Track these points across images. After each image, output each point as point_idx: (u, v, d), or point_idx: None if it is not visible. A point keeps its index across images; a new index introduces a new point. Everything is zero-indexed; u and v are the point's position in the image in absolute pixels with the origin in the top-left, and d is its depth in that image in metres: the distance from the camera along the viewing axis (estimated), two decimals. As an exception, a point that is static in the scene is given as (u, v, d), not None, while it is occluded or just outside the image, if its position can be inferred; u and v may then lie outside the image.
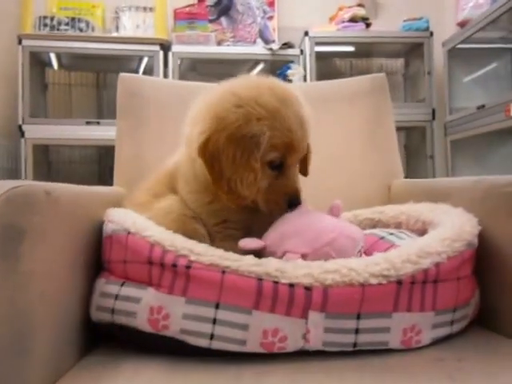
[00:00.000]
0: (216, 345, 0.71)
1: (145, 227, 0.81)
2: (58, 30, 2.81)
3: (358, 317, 0.71)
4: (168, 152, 1.30)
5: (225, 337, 0.71)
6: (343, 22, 2.95)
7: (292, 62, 2.96)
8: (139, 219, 0.84)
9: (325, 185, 1.27)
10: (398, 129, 3.12)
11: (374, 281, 0.71)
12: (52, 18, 2.81)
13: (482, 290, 0.84)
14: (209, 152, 0.83)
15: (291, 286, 0.71)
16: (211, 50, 2.95)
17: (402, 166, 1.38)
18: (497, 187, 0.85)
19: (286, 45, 2.96)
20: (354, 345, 0.71)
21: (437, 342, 0.75)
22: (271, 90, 0.88)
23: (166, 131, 1.31)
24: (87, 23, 2.86)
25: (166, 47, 2.92)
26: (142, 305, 0.74)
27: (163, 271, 0.75)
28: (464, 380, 0.64)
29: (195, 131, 0.85)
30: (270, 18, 3.18)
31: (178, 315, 0.72)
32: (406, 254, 0.74)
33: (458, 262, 0.76)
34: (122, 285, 0.78)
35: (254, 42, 3.13)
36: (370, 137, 1.37)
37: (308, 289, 0.70)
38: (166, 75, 2.92)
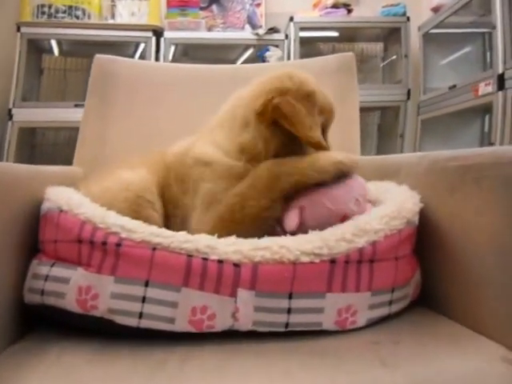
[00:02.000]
0: (145, 323, 0.62)
1: (78, 204, 0.70)
2: (55, 17, 2.66)
3: (290, 296, 0.60)
4: (134, 133, 1.19)
5: (154, 315, 0.62)
6: (326, 7, 2.77)
7: (277, 46, 2.81)
8: (75, 196, 0.73)
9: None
10: (374, 109, 3.04)
11: (305, 259, 0.60)
12: (50, 6, 2.66)
13: (424, 268, 0.74)
14: (283, 111, 0.73)
15: (220, 262, 0.61)
16: (201, 35, 2.79)
17: (359, 142, 1.24)
18: (439, 162, 0.73)
19: (272, 30, 2.79)
20: (286, 325, 0.61)
21: (374, 324, 0.64)
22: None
23: (133, 112, 1.19)
24: (83, 11, 2.70)
25: (158, 33, 2.77)
26: (71, 285, 0.65)
27: (92, 250, 0.65)
28: (396, 366, 0.54)
29: (255, 103, 0.76)
30: (258, 4, 3.01)
31: (106, 295, 0.63)
32: (340, 232, 0.63)
33: (396, 241, 0.65)
34: (53, 265, 0.68)
35: (243, 27, 2.96)
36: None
37: (237, 265, 0.61)
38: (158, 60, 2.78)
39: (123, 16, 2.87)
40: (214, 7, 2.97)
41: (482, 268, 0.63)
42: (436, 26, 2.65)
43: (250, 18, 2.93)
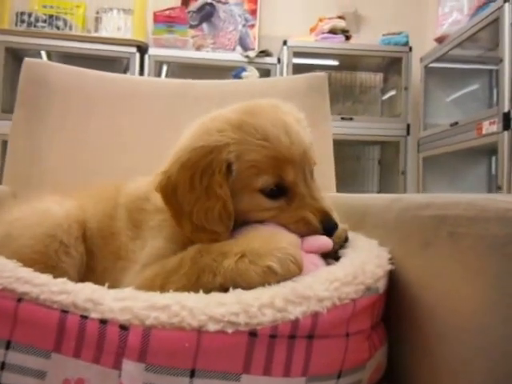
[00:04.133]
0: (4, 397, 0.50)
1: None
2: (35, 26, 2.61)
3: (192, 374, 0.47)
4: (72, 149, 1.07)
5: (15, 387, 0.49)
6: (323, 33, 2.73)
7: (269, 70, 2.75)
8: None
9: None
10: (373, 143, 2.95)
11: (213, 327, 0.47)
12: (30, 15, 2.61)
13: (390, 339, 0.61)
14: (163, 188, 0.63)
15: (103, 322, 0.48)
16: (187, 54, 2.73)
17: (334, 177, 1.11)
18: (410, 209, 0.61)
19: (263, 53, 2.74)
20: (185, 411, 0.48)
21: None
22: (238, 107, 0.70)
23: (70, 126, 1.09)
24: (65, 21, 2.66)
25: (143, 50, 2.71)
26: None
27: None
28: None
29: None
30: (252, 26, 2.97)
31: (-40, 356, 0.51)
32: (268, 296, 0.50)
33: (347, 313, 0.52)
34: None
35: (234, 49, 2.92)
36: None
37: (124, 328, 0.47)
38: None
39: (108, 29, 2.83)
40: (205, 26, 2.93)
41: (457, 356, 0.50)
42: (439, 58, 2.59)
43: (242, 39, 2.89)
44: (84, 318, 0.49)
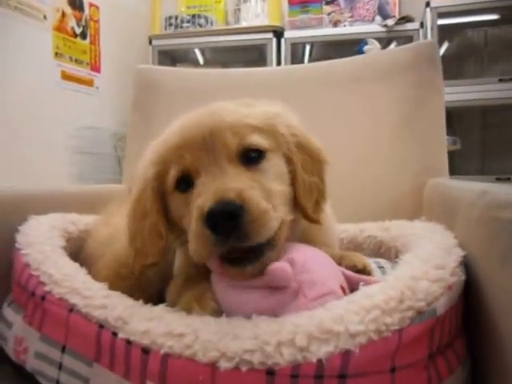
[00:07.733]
0: (62, 393, 0.54)
1: (27, 243, 0.66)
2: (181, 27, 2.79)
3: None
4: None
5: (68, 387, 0.53)
6: (473, -15, 2.33)
7: (411, 37, 2.48)
8: (35, 231, 0.69)
9: (345, 184, 0.95)
10: None
11: (225, 364, 0.43)
12: (176, 17, 2.80)
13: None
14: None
15: (129, 343, 0.48)
16: (322, 32, 2.62)
17: (446, 162, 0.93)
18: (492, 208, 0.46)
19: (404, 19, 2.47)
20: None
21: None
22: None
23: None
24: (206, 18, 2.78)
25: (279, 34, 2.69)
26: (12, 332, 0.62)
27: (28, 298, 0.61)
28: None
29: None
30: (392, -8, 2.70)
31: (32, 352, 0.58)
32: (289, 330, 0.42)
33: (391, 347, 0.42)
34: (9, 305, 0.66)
35: (373, 19, 2.69)
36: (407, 123, 0.96)
37: (145, 352, 0.47)
38: (279, 63, 2.70)
39: (247, 19, 2.88)
40: (341, 0, 2.77)
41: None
42: None
43: (381, 8, 2.65)
44: (115, 334, 0.49)
